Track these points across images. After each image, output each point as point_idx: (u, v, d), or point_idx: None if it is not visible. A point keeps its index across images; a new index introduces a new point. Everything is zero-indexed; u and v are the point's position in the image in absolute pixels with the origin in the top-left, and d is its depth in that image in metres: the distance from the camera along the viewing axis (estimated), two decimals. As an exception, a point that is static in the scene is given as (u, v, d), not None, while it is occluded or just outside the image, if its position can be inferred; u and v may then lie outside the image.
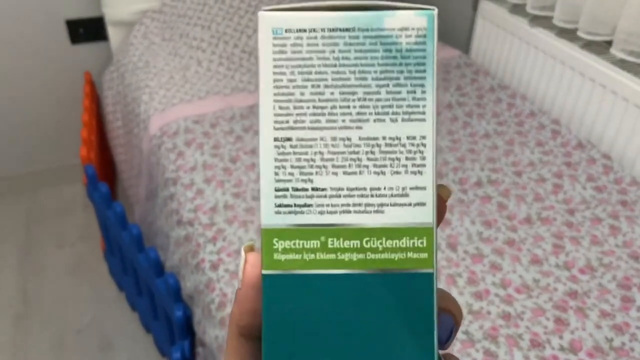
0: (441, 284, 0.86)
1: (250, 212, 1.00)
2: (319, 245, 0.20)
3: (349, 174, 0.20)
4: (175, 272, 1.06)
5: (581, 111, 1.22)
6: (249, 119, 1.26)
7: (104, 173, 1.61)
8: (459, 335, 0.78)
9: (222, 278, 0.89)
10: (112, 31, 1.65)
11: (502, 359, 0.75)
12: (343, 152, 0.20)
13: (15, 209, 1.79)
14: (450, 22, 1.65)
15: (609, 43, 1.19)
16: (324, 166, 0.20)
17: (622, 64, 1.13)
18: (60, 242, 1.67)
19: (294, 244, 0.20)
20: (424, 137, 0.20)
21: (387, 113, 0.20)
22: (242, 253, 0.22)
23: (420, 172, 0.20)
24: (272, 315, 0.20)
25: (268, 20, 0.20)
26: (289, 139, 0.20)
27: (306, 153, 0.20)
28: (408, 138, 0.20)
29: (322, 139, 0.20)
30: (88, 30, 1.68)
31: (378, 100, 0.20)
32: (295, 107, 0.20)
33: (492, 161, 1.12)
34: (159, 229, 1.18)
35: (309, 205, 0.20)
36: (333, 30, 0.20)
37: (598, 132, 1.19)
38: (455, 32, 1.64)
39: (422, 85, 0.20)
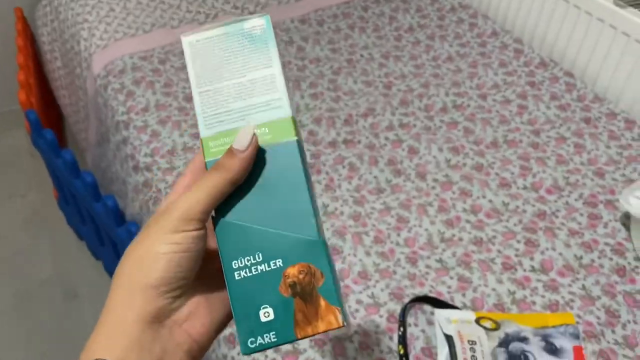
0: (412, 214, 0.85)
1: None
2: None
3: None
4: (136, 220, 1.01)
5: (543, 29, 1.20)
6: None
7: (48, 118, 1.51)
8: (433, 263, 0.78)
9: (188, 223, 0.85)
10: (39, -40, 1.49)
11: (476, 284, 0.76)
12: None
13: (-45, 161, 1.68)
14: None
15: (571, -46, 1.15)
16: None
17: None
18: (10, 193, 1.58)
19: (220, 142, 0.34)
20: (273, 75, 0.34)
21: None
22: (254, 129, 0.33)
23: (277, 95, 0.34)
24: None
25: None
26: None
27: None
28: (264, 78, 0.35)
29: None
30: (12, -40, 1.52)
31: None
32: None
33: (457, 85, 1.10)
34: (114, 175, 1.12)
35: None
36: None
37: (560, 50, 1.17)
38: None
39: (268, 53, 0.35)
